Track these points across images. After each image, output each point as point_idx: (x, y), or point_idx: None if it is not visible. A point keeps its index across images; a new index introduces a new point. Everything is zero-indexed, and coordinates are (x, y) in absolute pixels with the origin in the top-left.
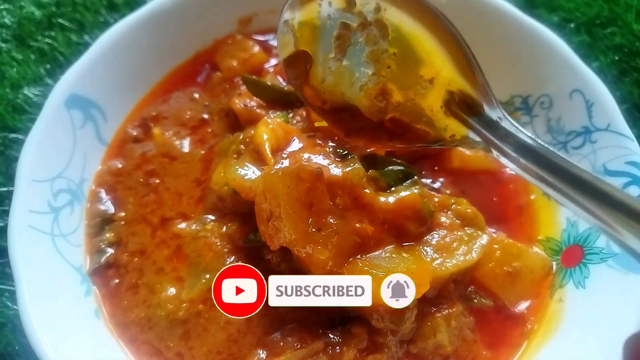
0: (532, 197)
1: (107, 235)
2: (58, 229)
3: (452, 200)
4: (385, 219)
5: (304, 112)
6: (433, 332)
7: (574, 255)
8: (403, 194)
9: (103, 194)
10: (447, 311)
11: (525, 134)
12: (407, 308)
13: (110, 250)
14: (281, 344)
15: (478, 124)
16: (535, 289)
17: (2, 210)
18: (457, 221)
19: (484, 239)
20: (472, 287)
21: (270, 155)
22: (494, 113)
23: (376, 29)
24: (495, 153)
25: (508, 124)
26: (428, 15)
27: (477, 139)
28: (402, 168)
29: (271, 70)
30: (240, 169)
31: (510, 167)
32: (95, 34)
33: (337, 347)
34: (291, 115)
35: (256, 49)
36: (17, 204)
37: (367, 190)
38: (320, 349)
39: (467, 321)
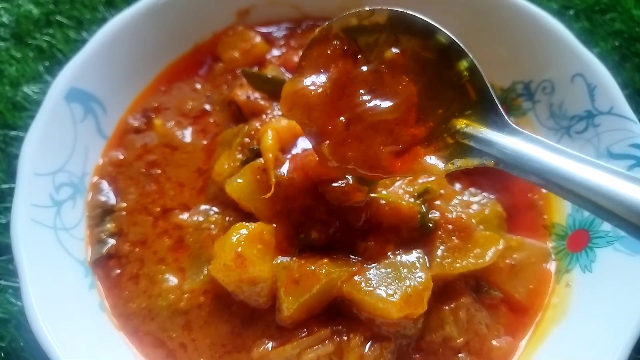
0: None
1: (108, 225)
2: (61, 222)
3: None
4: None
5: None
6: (441, 324)
7: (579, 240)
8: None
9: (104, 185)
10: (454, 303)
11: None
12: (408, 320)
13: (112, 241)
14: (287, 333)
15: (484, 141)
16: (539, 277)
17: (3, 207)
18: (475, 223)
19: (500, 244)
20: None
21: (274, 179)
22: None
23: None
24: (501, 165)
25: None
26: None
27: (485, 157)
28: None
29: (273, 61)
30: (241, 180)
31: (519, 176)
32: (94, 30)
33: (344, 335)
34: None
35: (257, 39)
36: (20, 197)
37: None
38: (327, 337)
39: (480, 315)
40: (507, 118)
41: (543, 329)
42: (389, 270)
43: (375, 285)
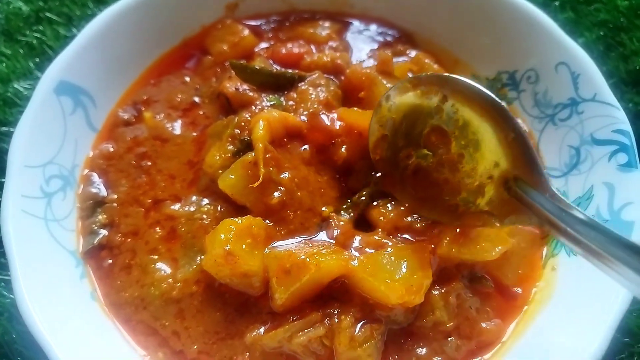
0: None
1: (100, 217)
2: (51, 213)
3: None
4: None
5: (295, 94)
6: (431, 309)
7: None
8: None
9: (95, 177)
10: (444, 288)
11: (577, 210)
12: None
13: (103, 232)
14: (279, 317)
15: (535, 202)
16: (529, 262)
17: None
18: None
19: (508, 244)
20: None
21: (263, 169)
22: (548, 192)
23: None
24: (548, 228)
25: (560, 201)
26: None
27: (531, 216)
28: None
29: (262, 53)
30: (232, 176)
31: (562, 240)
32: (83, 27)
33: (335, 317)
34: (283, 98)
35: (246, 32)
36: (10, 188)
37: None
38: (317, 320)
39: (471, 300)
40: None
41: (531, 311)
42: (395, 256)
43: (380, 268)
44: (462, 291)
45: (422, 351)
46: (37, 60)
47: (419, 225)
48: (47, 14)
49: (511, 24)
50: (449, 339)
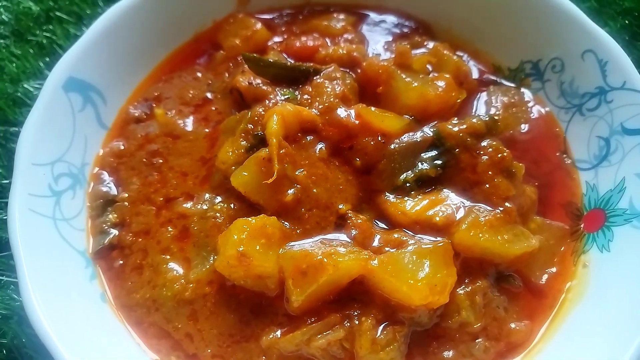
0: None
1: (110, 216)
2: (60, 212)
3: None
4: None
5: (310, 88)
6: (457, 309)
7: (596, 219)
8: None
9: (105, 176)
10: (470, 287)
11: None
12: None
13: (114, 231)
14: (296, 319)
15: None
16: (558, 259)
17: (4, 202)
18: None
19: (533, 242)
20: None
21: (278, 165)
22: None
23: None
24: None
25: None
26: None
27: None
28: None
29: (275, 47)
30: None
31: None
32: None
33: (355, 319)
34: (298, 92)
35: (258, 26)
36: (17, 186)
37: None
38: (337, 322)
39: (498, 299)
40: None
41: (562, 311)
42: (417, 254)
43: (402, 268)
44: (488, 290)
45: (449, 354)
46: (47, 59)
47: (439, 219)
48: (57, 13)
49: (534, 11)
50: (477, 340)
